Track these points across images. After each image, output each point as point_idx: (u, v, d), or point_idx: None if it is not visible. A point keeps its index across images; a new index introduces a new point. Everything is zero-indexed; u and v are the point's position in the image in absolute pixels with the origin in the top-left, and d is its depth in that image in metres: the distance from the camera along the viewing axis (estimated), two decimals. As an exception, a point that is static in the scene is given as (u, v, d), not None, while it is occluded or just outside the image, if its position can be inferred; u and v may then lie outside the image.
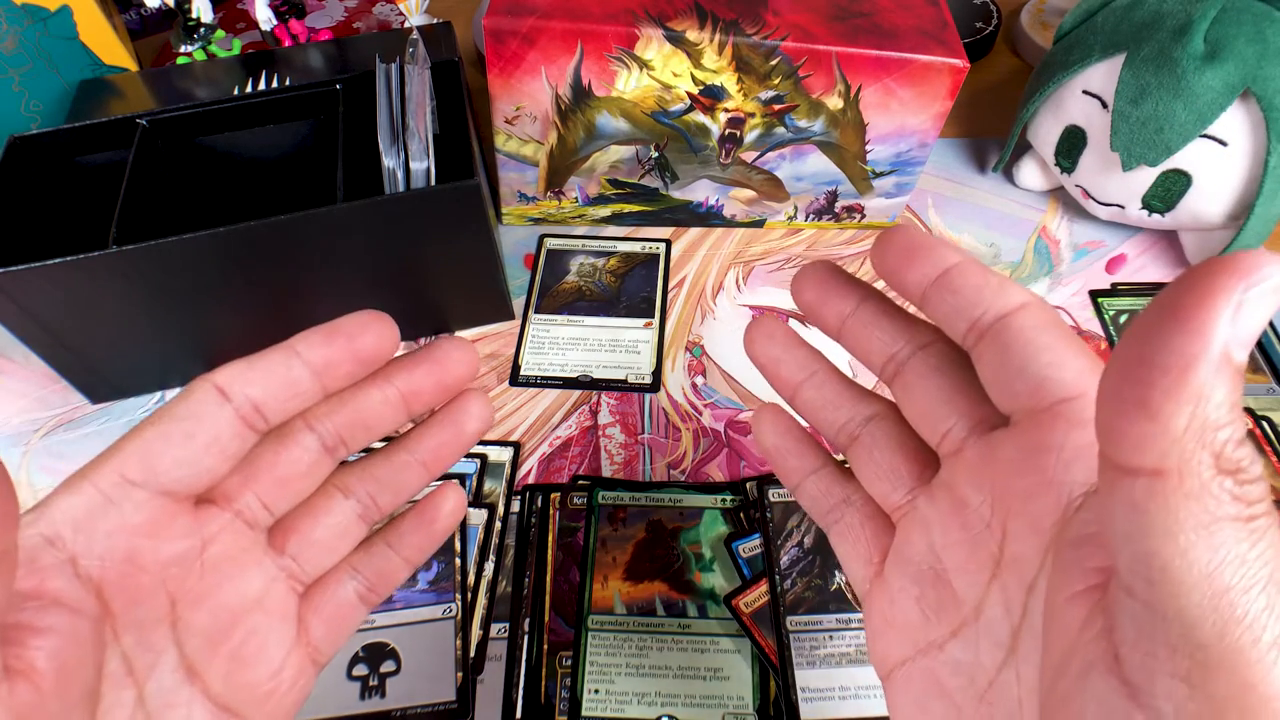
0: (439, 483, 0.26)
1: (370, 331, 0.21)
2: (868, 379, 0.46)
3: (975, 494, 0.20)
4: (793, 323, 0.27)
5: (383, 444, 0.25)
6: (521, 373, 0.47)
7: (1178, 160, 0.44)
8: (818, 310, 0.23)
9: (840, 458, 0.30)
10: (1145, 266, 0.51)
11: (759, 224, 0.54)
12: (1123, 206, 0.49)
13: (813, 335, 0.49)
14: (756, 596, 0.38)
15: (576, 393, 0.46)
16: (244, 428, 0.20)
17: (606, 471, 0.42)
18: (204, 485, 0.20)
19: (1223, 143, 0.43)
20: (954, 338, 0.20)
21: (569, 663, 0.36)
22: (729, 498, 0.41)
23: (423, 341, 0.48)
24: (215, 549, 0.21)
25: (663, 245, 0.53)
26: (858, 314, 0.23)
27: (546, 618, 0.37)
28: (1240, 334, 0.12)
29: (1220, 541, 0.12)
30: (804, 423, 0.26)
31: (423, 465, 0.25)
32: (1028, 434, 0.18)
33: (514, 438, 0.44)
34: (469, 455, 0.43)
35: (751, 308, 0.50)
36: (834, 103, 0.46)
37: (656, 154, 0.48)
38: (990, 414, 0.20)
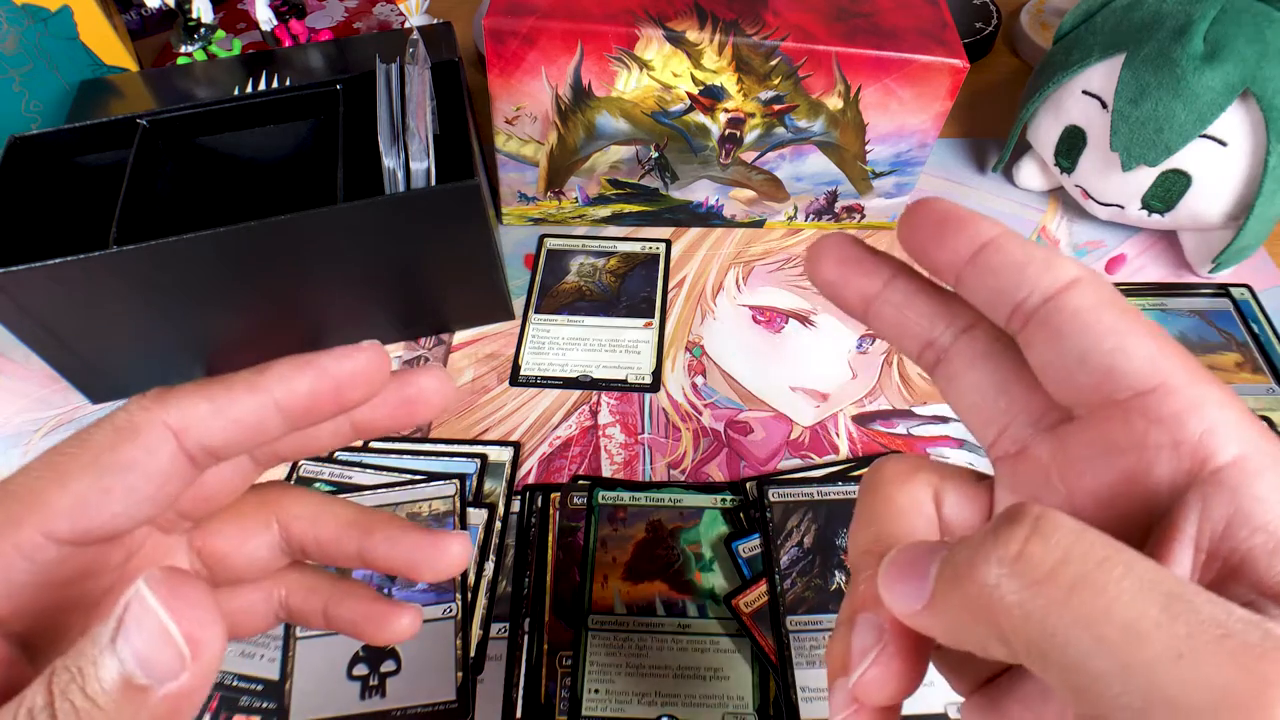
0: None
1: (360, 380, 0.19)
2: (875, 360, 0.46)
3: (1050, 496, 0.18)
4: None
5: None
6: (521, 373, 0.47)
7: (1177, 160, 0.44)
8: (839, 289, 0.20)
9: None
10: (1145, 266, 0.51)
11: (759, 224, 0.54)
12: (1122, 206, 0.49)
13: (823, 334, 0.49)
14: (756, 596, 0.38)
15: (576, 393, 0.46)
16: (192, 471, 0.18)
17: (606, 471, 0.42)
18: (137, 526, 0.19)
19: (1222, 143, 0.43)
20: (997, 322, 0.18)
21: (569, 663, 0.36)
22: (729, 498, 0.41)
23: (423, 343, 0.48)
24: (135, 562, 0.20)
25: (663, 245, 0.53)
26: (886, 293, 0.20)
27: (546, 618, 0.38)
28: None
29: None
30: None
31: (353, 429, 0.22)
32: (1099, 430, 0.17)
33: (514, 438, 0.44)
34: (469, 455, 0.43)
35: (751, 307, 0.50)
36: (834, 103, 0.46)
37: (656, 154, 0.48)
38: (1055, 406, 0.18)
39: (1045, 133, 0.50)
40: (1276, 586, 0.14)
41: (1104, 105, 0.46)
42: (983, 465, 0.42)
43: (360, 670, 0.36)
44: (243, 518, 0.22)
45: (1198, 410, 0.16)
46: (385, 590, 0.38)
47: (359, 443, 0.44)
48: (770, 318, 0.49)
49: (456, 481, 0.42)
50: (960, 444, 0.43)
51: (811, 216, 0.53)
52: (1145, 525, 0.16)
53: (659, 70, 0.44)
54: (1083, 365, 0.16)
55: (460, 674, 0.36)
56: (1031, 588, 0.13)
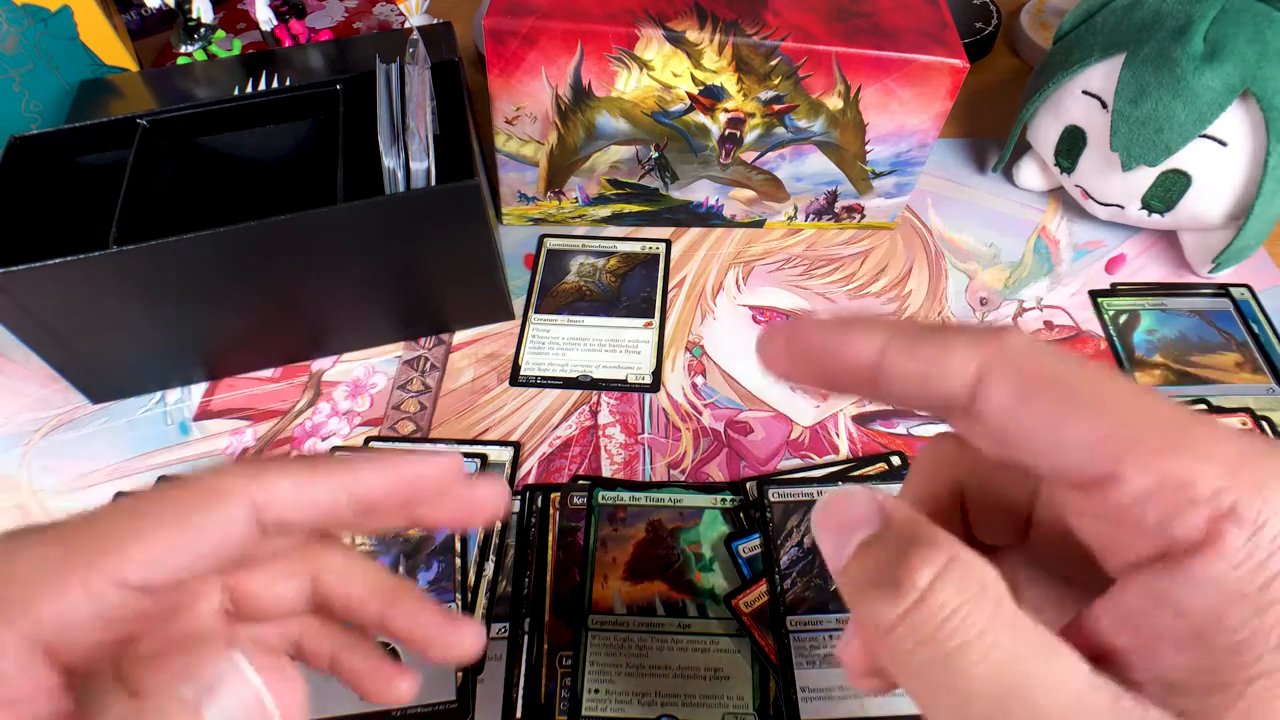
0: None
1: (432, 487, 0.20)
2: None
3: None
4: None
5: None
6: (521, 373, 0.47)
7: (1177, 160, 0.44)
8: (831, 356, 0.17)
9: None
10: (1145, 266, 0.51)
11: (759, 224, 0.54)
12: (1122, 206, 0.49)
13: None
14: (756, 596, 0.38)
15: (576, 393, 0.46)
16: (260, 540, 0.19)
17: (606, 471, 0.42)
18: (193, 578, 0.19)
19: (1222, 143, 0.43)
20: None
21: (569, 663, 0.36)
22: (729, 498, 0.41)
23: (423, 343, 0.48)
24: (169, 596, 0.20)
25: (663, 245, 0.53)
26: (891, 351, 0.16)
27: (546, 618, 0.38)
28: None
29: None
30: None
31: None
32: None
33: (514, 438, 0.44)
34: (469, 455, 0.43)
35: (751, 307, 0.50)
36: (834, 103, 0.46)
37: (656, 154, 0.49)
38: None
39: (1045, 133, 0.50)
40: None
41: (1104, 105, 0.46)
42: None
43: (360, 670, 0.36)
44: (279, 563, 0.22)
45: (1171, 487, 0.13)
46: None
47: (358, 442, 0.44)
48: (770, 318, 0.49)
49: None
50: (960, 444, 0.43)
51: (811, 216, 0.53)
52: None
53: (659, 70, 0.44)
54: (1041, 456, 0.14)
55: (460, 674, 0.36)
56: (919, 646, 0.14)
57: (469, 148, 0.43)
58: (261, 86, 0.55)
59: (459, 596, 0.38)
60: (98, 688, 0.18)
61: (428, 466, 0.20)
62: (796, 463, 0.43)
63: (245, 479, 0.18)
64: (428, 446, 0.43)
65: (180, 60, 0.62)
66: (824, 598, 0.38)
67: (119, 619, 0.18)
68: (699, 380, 0.46)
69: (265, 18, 0.60)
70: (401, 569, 0.39)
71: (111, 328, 0.41)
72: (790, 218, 0.53)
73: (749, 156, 0.49)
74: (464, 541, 0.40)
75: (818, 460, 0.43)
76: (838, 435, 0.44)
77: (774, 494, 0.41)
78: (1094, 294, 0.50)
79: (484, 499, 0.22)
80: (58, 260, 0.37)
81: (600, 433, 0.44)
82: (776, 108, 0.46)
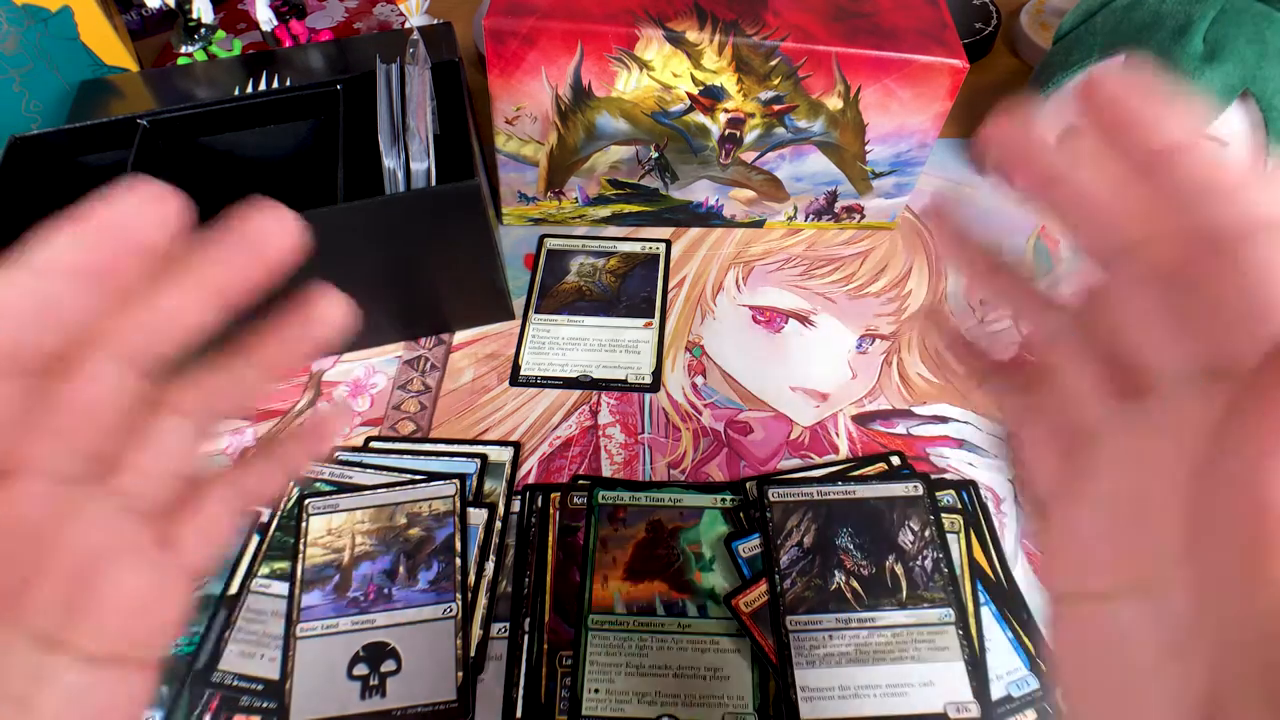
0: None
1: (139, 211, 0.17)
2: (874, 360, 0.46)
3: (1192, 440, 0.16)
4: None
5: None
6: (522, 373, 0.47)
7: (1177, 160, 0.44)
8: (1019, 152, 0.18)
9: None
10: (1145, 266, 0.51)
11: (759, 224, 0.54)
12: (1122, 207, 0.48)
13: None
14: (756, 596, 0.38)
15: (576, 393, 0.46)
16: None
17: (606, 471, 0.43)
18: None
19: (1223, 143, 0.43)
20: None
21: (569, 662, 0.36)
22: (729, 498, 0.41)
23: (423, 343, 0.48)
24: (25, 519, 0.18)
25: (663, 245, 0.53)
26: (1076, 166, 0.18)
27: (546, 618, 0.38)
28: None
29: None
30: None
31: (267, 374, 0.22)
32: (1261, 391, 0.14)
33: (514, 438, 0.44)
34: (469, 455, 0.43)
35: (751, 308, 0.50)
36: (834, 103, 0.46)
37: (656, 154, 0.49)
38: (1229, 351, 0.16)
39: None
40: None
41: (1104, 105, 0.46)
42: (982, 465, 0.42)
43: (360, 670, 0.36)
44: (141, 429, 0.20)
45: None
46: (385, 590, 0.38)
47: (359, 442, 0.44)
48: (770, 318, 0.49)
49: (456, 481, 0.42)
50: (960, 444, 0.43)
51: (811, 216, 0.53)
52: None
53: (659, 70, 0.44)
54: (1251, 317, 0.14)
55: (460, 674, 0.36)
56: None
57: (469, 148, 0.43)
58: (262, 87, 0.55)
59: (459, 596, 0.38)
60: None
61: (119, 214, 0.17)
62: (796, 463, 0.43)
63: None
64: (428, 447, 0.44)
65: (180, 60, 0.62)
66: (824, 598, 0.38)
67: None
68: (699, 380, 0.46)
69: (265, 18, 0.60)
70: (401, 569, 0.39)
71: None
72: (790, 218, 0.53)
73: (749, 156, 0.49)
74: (464, 541, 0.40)
75: (818, 460, 0.43)
76: (837, 435, 0.44)
77: (774, 494, 0.41)
78: (1094, 294, 0.50)
79: (265, 228, 0.20)
80: (58, 260, 0.37)
81: (600, 433, 0.44)
82: (776, 108, 0.46)
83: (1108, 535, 0.18)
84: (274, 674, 0.36)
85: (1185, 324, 0.16)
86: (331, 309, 0.22)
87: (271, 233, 0.20)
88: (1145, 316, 0.17)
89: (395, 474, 0.42)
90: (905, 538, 0.39)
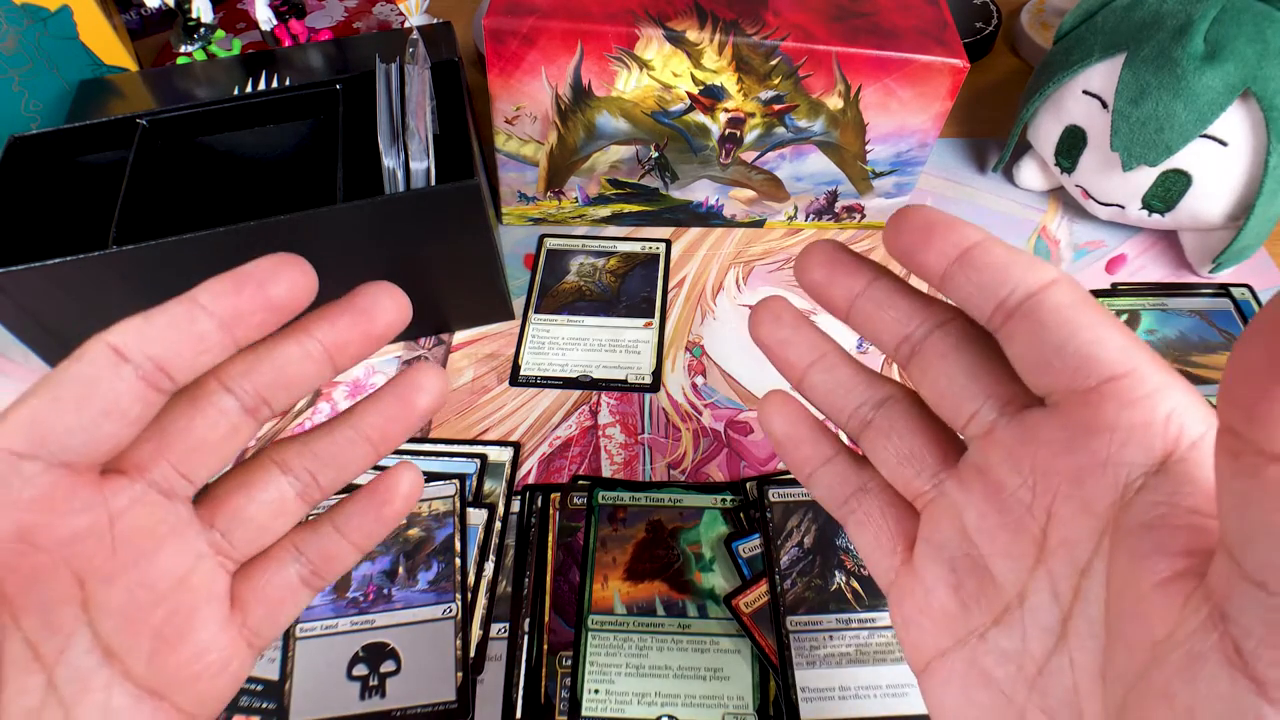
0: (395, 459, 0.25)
1: (282, 278, 0.19)
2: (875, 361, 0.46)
3: (1013, 477, 0.19)
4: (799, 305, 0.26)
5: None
6: (521, 373, 0.47)
7: (1178, 160, 0.44)
8: (825, 290, 0.22)
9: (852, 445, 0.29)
10: (1145, 266, 0.51)
11: (759, 224, 0.54)
12: (1123, 206, 0.49)
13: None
14: (756, 596, 0.38)
15: (576, 393, 0.46)
16: (147, 389, 0.18)
17: (606, 471, 0.42)
18: (106, 454, 0.19)
19: (1223, 143, 0.43)
20: (979, 318, 0.19)
21: (569, 663, 0.36)
22: (729, 498, 0.41)
23: (423, 343, 0.48)
24: (127, 522, 0.20)
25: (663, 245, 0.53)
26: (869, 292, 0.22)
27: (546, 618, 0.37)
28: None
29: None
30: (813, 410, 0.25)
31: (368, 441, 0.23)
32: (1072, 414, 0.18)
33: (514, 438, 0.44)
34: (469, 455, 0.43)
35: (751, 308, 0.49)
36: (834, 103, 0.46)
37: (656, 154, 0.48)
38: (1019, 393, 0.19)
39: (1045, 133, 0.50)
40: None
41: (1104, 105, 0.46)
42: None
43: (360, 670, 0.36)
44: (246, 476, 0.22)
45: (1165, 394, 0.17)
46: (384, 590, 0.38)
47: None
48: (770, 318, 0.49)
49: (456, 481, 0.42)
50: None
51: (811, 216, 0.53)
52: (1117, 502, 0.17)
53: (659, 70, 0.44)
54: (1060, 354, 0.18)
55: (460, 674, 0.36)
56: None
57: (469, 148, 0.43)
58: (261, 86, 0.55)
59: (459, 596, 0.38)
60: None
61: (266, 260, 0.20)
62: (796, 463, 0.43)
63: (96, 336, 0.19)
64: (428, 447, 0.43)
65: (180, 60, 0.62)
66: (824, 598, 0.38)
67: (37, 501, 0.18)
68: (699, 380, 0.46)
69: (265, 17, 0.60)
70: (401, 569, 0.39)
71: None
72: (790, 218, 0.53)
73: (749, 156, 0.49)
74: (464, 541, 0.40)
75: (818, 460, 0.43)
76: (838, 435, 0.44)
77: (774, 494, 0.41)
78: (1094, 294, 0.50)
79: (381, 306, 0.22)
80: (57, 260, 0.37)
81: (600, 433, 0.44)
82: (776, 107, 0.46)
83: (962, 578, 0.20)
84: (273, 674, 0.36)
85: (986, 380, 0.20)
86: (430, 379, 0.23)
87: (383, 307, 0.22)
88: (953, 379, 0.20)
89: (395, 474, 0.42)
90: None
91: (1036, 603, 0.19)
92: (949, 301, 0.20)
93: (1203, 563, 0.15)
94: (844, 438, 0.25)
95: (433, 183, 0.41)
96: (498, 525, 0.40)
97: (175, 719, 0.21)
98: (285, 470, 0.22)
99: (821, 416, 0.25)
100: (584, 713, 0.35)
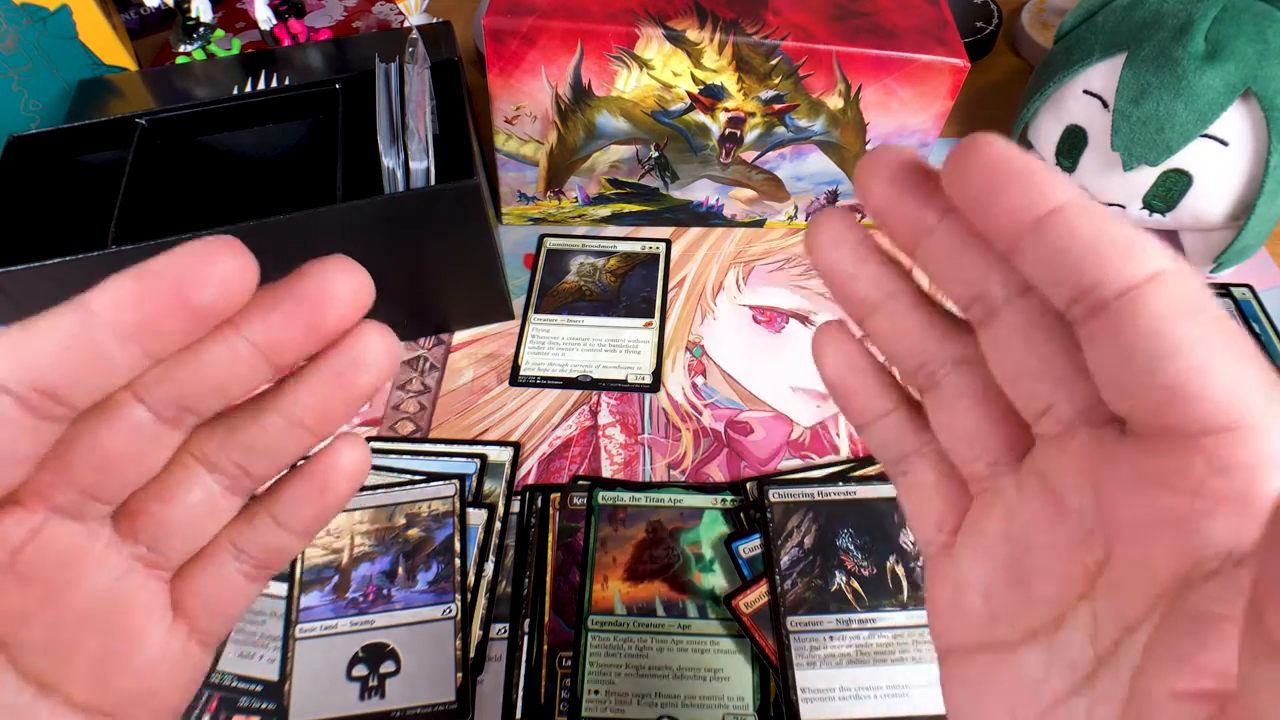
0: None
1: (208, 274, 0.15)
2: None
3: (1076, 496, 0.16)
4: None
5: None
6: (521, 373, 0.47)
7: (1178, 160, 0.44)
8: (891, 215, 0.18)
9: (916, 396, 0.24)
10: (1146, 266, 0.51)
11: (759, 224, 0.54)
12: (1124, 206, 0.48)
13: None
14: (756, 597, 0.38)
15: (576, 393, 0.46)
16: (33, 420, 0.15)
17: (606, 471, 0.42)
18: None
19: (1223, 142, 0.43)
20: (1056, 304, 0.15)
21: (569, 663, 0.36)
22: (729, 498, 0.41)
23: (423, 343, 0.48)
24: (31, 556, 0.17)
25: (663, 245, 0.53)
26: (944, 229, 0.17)
27: (546, 618, 0.37)
28: None
29: None
30: (874, 352, 0.21)
31: (303, 427, 0.19)
32: (1153, 457, 0.14)
33: (514, 438, 0.44)
34: (469, 455, 0.43)
35: (751, 307, 0.49)
36: (834, 102, 0.45)
37: (656, 154, 0.48)
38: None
39: (1046, 132, 0.50)
40: None
41: (1105, 105, 0.46)
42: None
43: (360, 671, 0.36)
44: (165, 479, 0.19)
45: (1277, 467, 0.13)
46: (384, 591, 0.38)
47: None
48: (770, 318, 0.49)
49: (456, 482, 0.42)
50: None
51: (812, 216, 0.53)
52: (1183, 576, 0.14)
53: (659, 70, 0.44)
54: (1149, 381, 0.14)
55: (460, 674, 0.36)
56: None
57: (469, 147, 0.43)
58: (261, 86, 0.54)
59: (459, 597, 0.38)
60: None
61: (184, 253, 0.15)
62: (797, 463, 0.43)
63: None
64: (427, 447, 0.43)
65: (179, 60, 0.62)
66: (824, 598, 0.38)
67: None
68: (699, 380, 0.46)
69: (264, 17, 0.60)
70: (401, 569, 0.39)
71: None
72: (791, 217, 0.53)
73: (749, 156, 0.49)
74: (464, 542, 0.40)
75: (818, 460, 0.43)
76: (838, 435, 0.44)
77: (774, 494, 0.41)
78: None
79: (331, 289, 0.17)
80: (57, 260, 0.37)
81: (600, 433, 0.44)
82: (777, 107, 0.46)
83: (998, 585, 0.18)
84: (273, 675, 0.36)
85: (1071, 374, 0.16)
86: (377, 351, 0.19)
87: (336, 292, 0.17)
88: (1030, 364, 0.17)
89: (394, 474, 0.42)
90: (906, 538, 0.39)
91: (1070, 638, 0.16)
92: None
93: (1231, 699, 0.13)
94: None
95: (433, 183, 0.41)
96: (498, 525, 0.40)
97: None
98: (210, 468, 0.19)
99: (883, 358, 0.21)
100: (584, 713, 0.35)
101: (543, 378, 0.46)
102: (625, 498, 0.41)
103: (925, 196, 0.17)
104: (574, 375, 0.46)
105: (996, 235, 0.15)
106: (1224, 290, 0.50)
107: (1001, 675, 0.18)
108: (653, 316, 0.49)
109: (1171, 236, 0.52)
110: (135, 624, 0.19)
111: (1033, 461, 0.18)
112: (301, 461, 0.20)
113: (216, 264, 0.15)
